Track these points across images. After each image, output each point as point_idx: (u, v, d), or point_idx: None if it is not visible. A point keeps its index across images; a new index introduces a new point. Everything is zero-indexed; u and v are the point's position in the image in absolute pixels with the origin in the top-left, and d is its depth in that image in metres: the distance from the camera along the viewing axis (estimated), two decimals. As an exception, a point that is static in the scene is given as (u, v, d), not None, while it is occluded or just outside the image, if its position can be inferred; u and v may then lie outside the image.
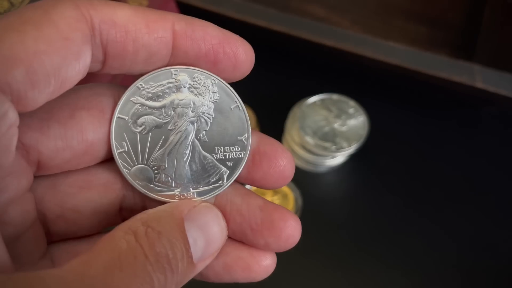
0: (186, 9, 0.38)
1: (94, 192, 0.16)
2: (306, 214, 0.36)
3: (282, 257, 0.35)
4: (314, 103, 0.36)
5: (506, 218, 0.37)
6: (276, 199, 0.36)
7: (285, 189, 0.37)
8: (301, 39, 0.36)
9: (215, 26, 0.16)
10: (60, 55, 0.13)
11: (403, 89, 0.41)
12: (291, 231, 0.16)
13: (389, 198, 0.38)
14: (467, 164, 0.39)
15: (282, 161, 0.16)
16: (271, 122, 0.39)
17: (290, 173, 0.16)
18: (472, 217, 0.37)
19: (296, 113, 0.36)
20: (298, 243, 0.39)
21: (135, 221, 0.13)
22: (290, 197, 0.36)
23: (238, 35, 0.16)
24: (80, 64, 0.14)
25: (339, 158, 0.37)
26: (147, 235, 0.13)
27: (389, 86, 0.41)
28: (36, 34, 0.12)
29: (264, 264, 0.16)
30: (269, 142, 0.16)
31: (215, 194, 0.16)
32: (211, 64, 0.16)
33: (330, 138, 0.34)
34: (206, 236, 0.14)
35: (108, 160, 0.16)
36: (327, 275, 0.35)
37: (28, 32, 0.12)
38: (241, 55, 0.16)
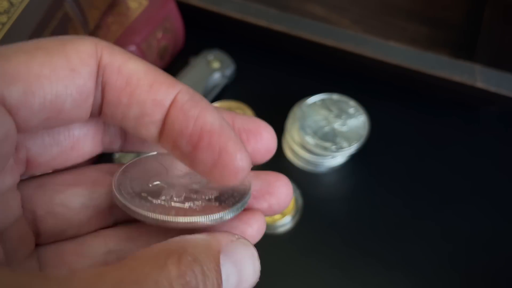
0: (186, 9, 0.38)
1: (83, 188, 0.16)
2: (306, 214, 0.36)
3: (282, 257, 0.35)
4: (314, 103, 0.36)
5: (506, 219, 0.37)
6: (276, 199, 0.36)
7: (285, 189, 0.37)
8: (301, 39, 0.36)
9: (218, 114, 0.14)
10: (63, 84, 0.13)
11: (404, 89, 0.41)
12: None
13: (389, 198, 0.37)
14: (467, 164, 0.39)
15: (266, 135, 0.17)
16: (271, 122, 0.39)
17: (273, 145, 0.17)
18: (473, 217, 0.37)
19: (296, 113, 0.36)
20: (298, 243, 0.39)
21: (171, 244, 0.12)
22: (290, 197, 0.36)
23: (240, 139, 0.14)
24: (81, 99, 0.13)
25: (339, 158, 0.37)
26: (180, 260, 0.12)
27: (389, 86, 0.41)
28: (44, 60, 0.13)
29: (256, 228, 0.17)
30: (251, 120, 0.17)
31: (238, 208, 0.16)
32: (191, 148, 0.14)
33: (330, 138, 0.34)
34: (239, 274, 0.13)
35: (97, 163, 0.17)
36: (327, 275, 0.35)
37: (37, 57, 0.13)
38: (228, 156, 0.14)
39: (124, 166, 0.17)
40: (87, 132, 0.16)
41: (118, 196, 0.15)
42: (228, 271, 0.13)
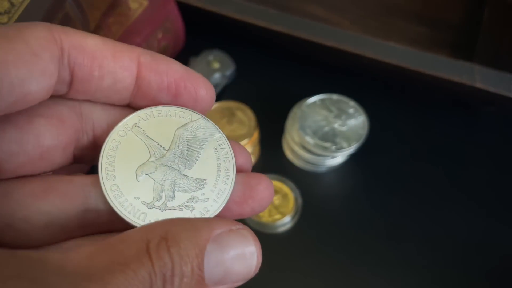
0: (186, 9, 0.38)
1: (49, 204, 0.15)
2: (306, 214, 0.36)
3: (282, 256, 0.35)
4: (314, 103, 0.36)
5: (506, 218, 0.37)
6: (276, 199, 0.36)
7: (285, 189, 0.37)
8: (301, 39, 0.36)
9: (179, 63, 0.17)
10: (27, 69, 0.14)
11: (403, 89, 0.41)
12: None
13: (389, 198, 0.38)
14: (466, 164, 0.39)
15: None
16: (271, 122, 0.39)
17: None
18: (472, 217, 0.37)
19: (296, 113, 0.36)
20: (298, 243, 0.39)
21: (155, 228, 0.13)
22: (290, 197, 0.36)
23: (199, 74, 0.17)
24: (45, 81, 0.14)
25: (339, 158, 0.37)
26: (160, 243, 0.12)
27: (389, 86, 0.41)
28: (7, 46, 0.13)
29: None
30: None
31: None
32: (172, 97, 0.17)
33: (330, 138, 0.34)
34: (229, 266, 0.13)
35: (67, 170, 0.16)
36: (327, 274, 0.35)
37: (0, 44, 0.13)
38: (202, 91, 0.17)
39: (103, 159, 0.16)
40: (57, 144, 0.15)
41: (118, 212, 0.16)
42: (215, 260, 0.13)
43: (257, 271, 0.14)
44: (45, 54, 0.14)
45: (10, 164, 0.15)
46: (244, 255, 0.14)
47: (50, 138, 0.15)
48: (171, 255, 0.12)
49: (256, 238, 0.14)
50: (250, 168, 0.18)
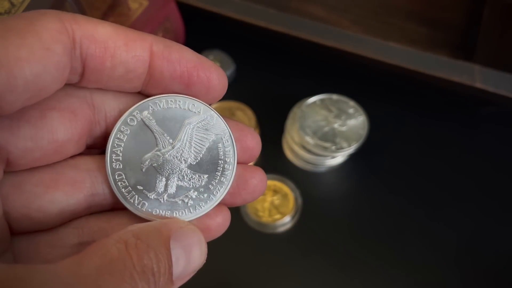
0: (186, 9, 0.38)
1: (61, 193, 0.16)
2: (306, 214, 0.36)
3: (283, 257, 0.35)
4: (314, 103, 0.36)
5: (507, 217, 0.37)
6: (276, 199, 0.36)
7: (285, 189, 0.37)
8: (301, 39, 0.36)
9: (191, 50, 0.16)
10: (41, 64, 0.13)
11: (403, 89, 0.41)
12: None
13: (389, 198, 0.38)
14: (467, 164, 0.39)
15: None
16: (271, 122, 0.39)
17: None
18: (472, 216, 0.37)
19: (296, 113, 0.36)
20: (298, 243, 0.39)
21: (127, 232, 0.14)
22: (290, 197, 0.36)
23: (212, 62, 0.17)
24: (59, 74, 0.14)
25: (339, 158, 0.37)
26: (137, 246, 0.14)
27: (389, 86, 0.41)
28: (19, 42, 0.13)
29: (219, 221, 0.18)
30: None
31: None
32: (184, 86, 0.16)
33: (330, 138, 0.34)
34: (188, 257, 0.15)
35: (76, 155, 0.17)
36: (327, 274, 0.35)
37: (12, 40, 0.13)
38: (214, 80, 0.17)
39: (110, 146, 0.17)
40: (71, 137, 0.16)
41: (121, 200, 0.17)
42: (177, 254, 0.14)
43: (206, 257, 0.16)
44: (58, 47, 0.14)
45: (26, 160, 0.15)
46: (196, 245, 0.15)
47: (63, 133, 0.16)
48: (150, 256, 0.13)
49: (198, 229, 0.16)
50: (259, 151, 0.19)
